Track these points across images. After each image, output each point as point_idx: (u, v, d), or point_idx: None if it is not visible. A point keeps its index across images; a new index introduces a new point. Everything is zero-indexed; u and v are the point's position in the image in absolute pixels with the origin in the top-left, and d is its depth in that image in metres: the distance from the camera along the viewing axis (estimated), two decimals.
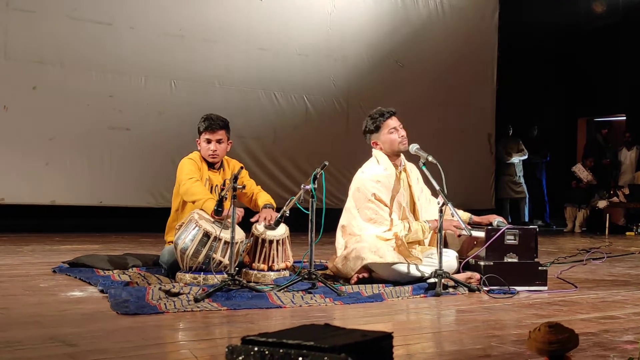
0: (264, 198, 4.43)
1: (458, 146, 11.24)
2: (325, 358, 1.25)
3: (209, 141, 4.30)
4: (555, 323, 1.63)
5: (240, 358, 1.33)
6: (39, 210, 8.12)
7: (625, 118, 13.81)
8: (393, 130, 4.26)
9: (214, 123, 4.30)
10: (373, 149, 4.36)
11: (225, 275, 3.55)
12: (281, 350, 1.29)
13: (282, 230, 4.14)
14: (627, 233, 11.37)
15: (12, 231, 7.48)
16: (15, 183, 7.89)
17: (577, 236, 10.78)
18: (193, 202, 4.13)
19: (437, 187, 3.91)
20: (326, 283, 3.70)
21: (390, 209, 4.17)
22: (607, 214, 11.53)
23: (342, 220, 4.32)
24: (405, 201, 4.29)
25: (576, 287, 4.20)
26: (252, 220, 4.20)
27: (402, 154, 4.36)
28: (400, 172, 4.35)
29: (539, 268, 4.12)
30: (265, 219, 4.15)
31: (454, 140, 11.20)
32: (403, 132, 4.27)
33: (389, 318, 3.19)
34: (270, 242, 4.07)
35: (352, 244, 4.15)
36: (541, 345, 1.60)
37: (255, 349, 1.32)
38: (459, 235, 4.27)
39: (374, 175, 4.21)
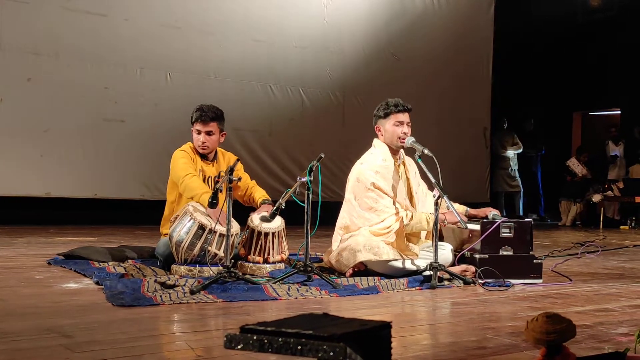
0: (260, 193, 4.43)
1: (453, 139, 11.26)
2: (324, 347, 1.26)
3: (199, 132, 4.29)
4: (553, 313, 1.64)
5: (239, 347, 1.34)
6: (34, 202, 8.10)
7: (620, 112, 13.85)
8: (399, 124, 4.25)
9: (205, 114, 4.28)
10: (374, 139, 4.36)
11: (221, 268, 3.55)
12: (280, 339, 1.30)
13: (278, 222, 4.14)
14: (622, 227, 11.42)
15: (7, 223, 7.46)
16: (10, 175, 7.86)
17: (571, 230, 10.82)
18: (191, 198, 4.13)
19: (433, 180, 3.91)
20: (322, 275, 3.70)
21: (394, 199, 4.17)
22: (602, 208, 11.57)
23: (342, 212, 4.31)
24: (404, 193, 4.29)
25: (571, 280, 4.21)
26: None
27: (402, 148, 4.36)
28: (399, 164, 4.35)
29: (534, 261, 4.13)
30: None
31: (449, 134, 11.22)
32: (407, 130, 4.26)
33: (384, 310, 3.20)
34: (266, 234, 4.06)
35: (347, 239, 4.14)
36: (539, 335, 1.61)
37: (254, 337, 1.32)
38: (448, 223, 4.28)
39: (372, 166, 4.22)
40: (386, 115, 4.27)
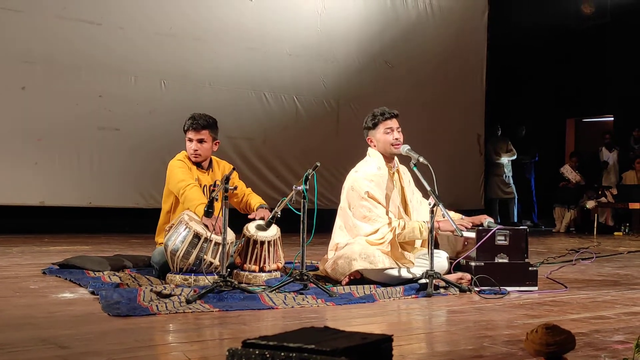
0: (257, 199, 4.44)
1: (447, 146, 11.27)
2: None
3: (191, 140, 4.30)
4: (553, 325, 1.64)
5: None
6: (28, 210, 8.07)
7: (613, 119, 13.90)
8: (389, 131, 4.26)
9: (196, 122, 4.29)
10: (368, 148, 4.37)
11: (217, 277, 3.55)
12: (282, 354, 1.30)
13: (274, 231, 4.14)
14: (615, 233, 11.44)
15: (1, 232, 7.42)
16: (4, 183, 7.83)
17: (565, 236, 10.84)
18: (187, 207, 4.12)
19: (429, 188, 3.92)
20: (318, 284, 3.70)
21: (387, 208, 4.17)
22: (595, 214, 11.59)
23: (338, 221, 4.31)
24: (398, 201, 4.30)
25: (566, 287, 4.22)
26: (250, 217, 4.22)
27: (396, 156, 4.37)
28: (394, 172, 4.36)
29: (529, 268, 4.14)
30: (263, 218, 4.17)
31: (443, 141, 11.23)
32: (398, 135, 4.27)
33: (381, 319, 3.20)
34: (262, 243, 4.06)
35: (342, 247, 4.14)
36: (539, 346, 1.61)
37: (257, 352, 1.32)
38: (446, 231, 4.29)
39: (367, 174, 4.22)
40: (375, 125, 4.30)
